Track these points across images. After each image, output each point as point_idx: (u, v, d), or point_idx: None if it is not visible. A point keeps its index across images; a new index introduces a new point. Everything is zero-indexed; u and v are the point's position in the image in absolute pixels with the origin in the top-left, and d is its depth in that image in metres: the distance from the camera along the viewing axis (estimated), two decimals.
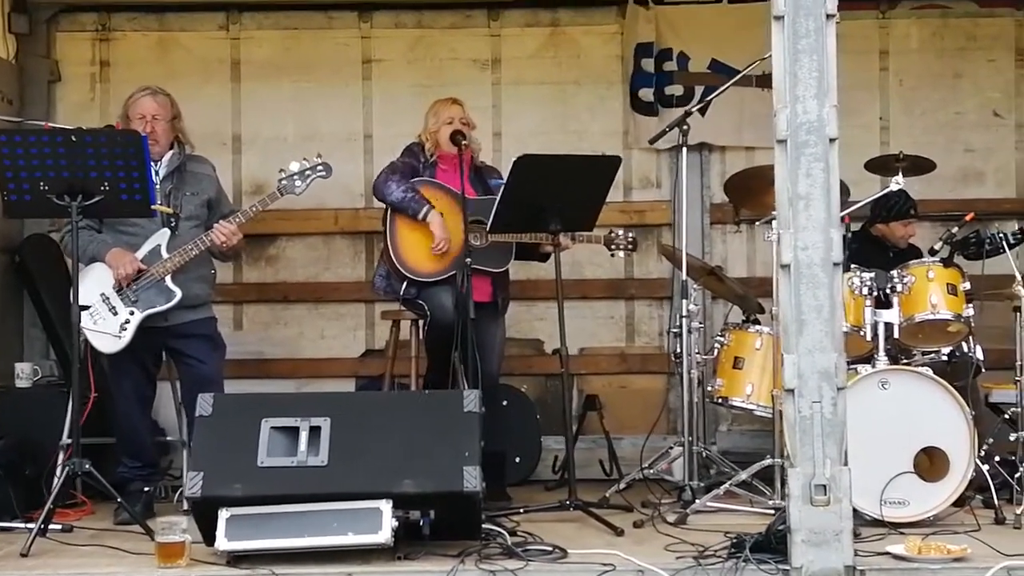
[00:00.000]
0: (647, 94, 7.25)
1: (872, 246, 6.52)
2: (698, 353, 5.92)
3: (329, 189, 6.41)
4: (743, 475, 5.60)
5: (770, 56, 4.57)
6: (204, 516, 4.68)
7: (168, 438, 6.45)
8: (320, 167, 5.83)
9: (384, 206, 6.05)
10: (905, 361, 5.74)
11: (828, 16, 4.47)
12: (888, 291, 5.66)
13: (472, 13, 7.40)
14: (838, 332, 4.48)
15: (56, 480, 5.31)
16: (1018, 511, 5.31)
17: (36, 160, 5.12)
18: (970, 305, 5.75)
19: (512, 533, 4.94)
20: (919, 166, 6.14)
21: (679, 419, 5.97)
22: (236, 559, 4.60)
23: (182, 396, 5.87)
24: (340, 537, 4.56)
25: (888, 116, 7.38)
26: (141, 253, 5.62)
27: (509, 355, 6.69)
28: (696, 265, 6.21)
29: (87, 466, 5.13)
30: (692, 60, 7.27)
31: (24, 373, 6.42)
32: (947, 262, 5.78)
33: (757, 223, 6.45)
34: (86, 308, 5.41)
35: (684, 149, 5.98)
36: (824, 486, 4.37)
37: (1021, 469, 5.55)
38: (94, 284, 5.55)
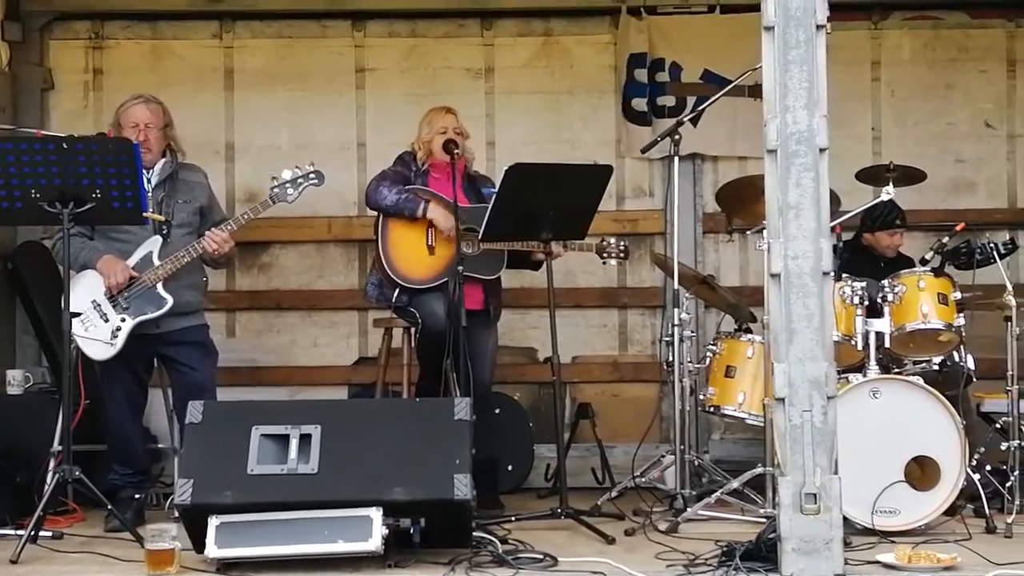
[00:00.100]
0: (640, 104, 7.27)
1: (863, 256, 6.53)
2: (690, 362, 5.91)
3: (322, 197, 6.42)
4: (734, 483, 5.60)
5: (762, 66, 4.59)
6: (194, 523, 4.67)
7: (160, 445, 6.43)
8: (312, 175, 5.82)
9: (376, 213, 6.06)
10: (896, 370, 5.76)
11: (818, 27, 4.47)
12: (879, 300, 5.68)
13: (465, 22, 7.43)
14: (828, 341, 4.48)
15: (47, 487, 5.32)
16: (1009, 520, 5.32)
17: (28, 167, 5.11)
18: (961, 315, 5.76)
19: (503, 541, 4.93)
20: (910, 176, 6.15)
21: (671, 428, 5.96)
22: (226, 566, 4.60)
23: (174, 403, 5.87)
24: (330, 545, 4.55)
25: (880, 126, 7.40)
26: (133, 260, 5.62)
27: (502, 363, 6.71)
28: (688, 274, 6.21)
29: (78, 473, 5.13)
30: (685, 70, 7.30)
31: (16, 380, 6.44)
32: (938, 272, 5.79)
33: (749, 232, 6.47)
34: (77, 315, 5.41)
35: (676, 159, 5.98)
36: (814, 495, 4.37)
37: (1012, 478, 5.57)
38: (85, 291, 5.54)
